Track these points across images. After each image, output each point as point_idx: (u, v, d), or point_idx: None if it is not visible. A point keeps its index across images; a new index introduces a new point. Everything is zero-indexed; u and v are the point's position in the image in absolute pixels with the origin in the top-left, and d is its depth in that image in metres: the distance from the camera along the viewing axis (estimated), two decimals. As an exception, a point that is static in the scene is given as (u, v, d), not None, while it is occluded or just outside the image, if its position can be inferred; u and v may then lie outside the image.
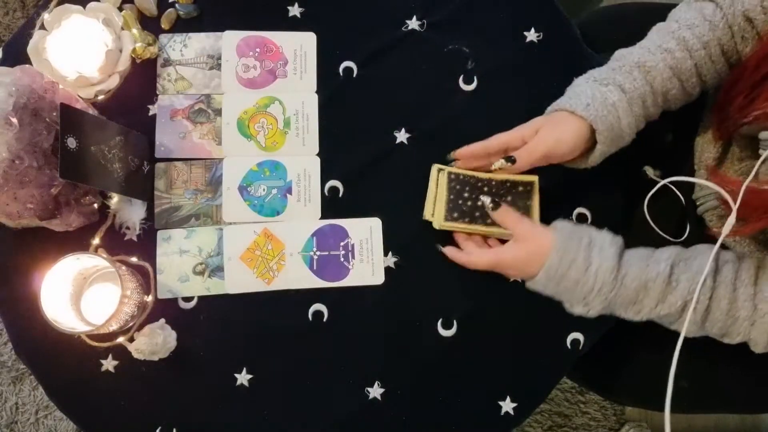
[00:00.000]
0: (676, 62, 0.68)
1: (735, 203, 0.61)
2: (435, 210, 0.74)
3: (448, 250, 0.74)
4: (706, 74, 0.69)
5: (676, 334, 0.64)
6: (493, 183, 0.73)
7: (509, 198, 0.73)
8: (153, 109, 0.77)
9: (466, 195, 0.73)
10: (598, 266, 0.63)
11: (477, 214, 0.73)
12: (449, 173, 0.74)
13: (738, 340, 0.64)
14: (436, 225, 0.74)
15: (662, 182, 0.75)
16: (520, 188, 0.73)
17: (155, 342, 0.68)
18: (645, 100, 0.68)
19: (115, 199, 0.73)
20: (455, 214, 0.73)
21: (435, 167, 0.75)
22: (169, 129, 0.77)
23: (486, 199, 0.70)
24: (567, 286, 0.65)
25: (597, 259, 0.64)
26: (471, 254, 0.72)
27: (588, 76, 0.71)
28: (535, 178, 0.73)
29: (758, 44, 0.65)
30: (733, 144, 0.72)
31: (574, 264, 0.64)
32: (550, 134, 0.68)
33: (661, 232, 0.77)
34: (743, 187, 0.60)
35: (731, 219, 0.62)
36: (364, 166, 0.77)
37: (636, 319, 0.66)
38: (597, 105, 0.66)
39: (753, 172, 0.61)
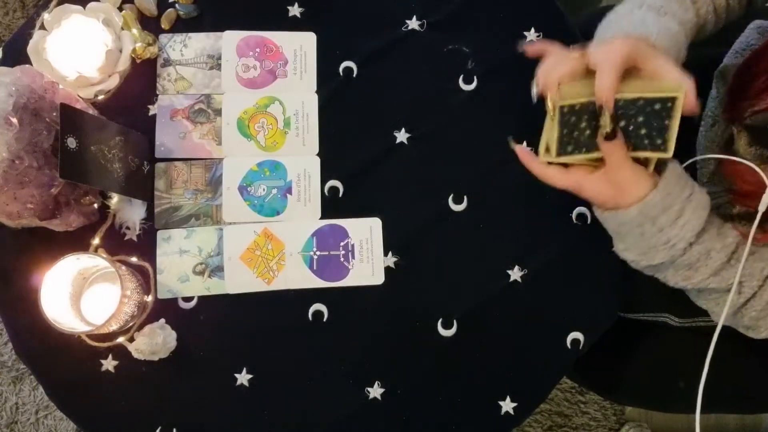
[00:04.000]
0: None
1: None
2: (547, 146, 0.64)
3: (522, 152, 0.65)
4: (727, 14, 0.68)
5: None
6: (621, 103, 0.60)
7: (641, 119, 0.60)
8: (153, 109, 0.77)
9: (583, 125, 0.61)
10: (686, 222, 0.60)
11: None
12: (561, 107, 0.62)
13: (764, 335, 0.63)
14: (547, 160, 0.64)
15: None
16: (657, 106, 0.59)
17: (155, 342, 0.68)
18: (693, 33, 0.65)
19: (115, 199, 0.73)
20: (569, 148, 0.62)
21: (549, 99, 0.63)
22: (169, 129, 0.77)
23: (607, 120, 0.58)
24: (646, 230, 0.61)
25: (688, 215, 0.60)
26: (548, 169, 0.64)
27: (638, 1, 0.65)
28: (679, 93, 0.58)
29: None
30: (736, 141, 0.72)
31: (669, 211, 0.60)
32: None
33: None
34: None
35: (766, 197, 0.60)
36: (364, 166, 0.77)
37: (680, 285, 0.64)
38: (663, 36, 0.61)
39: None
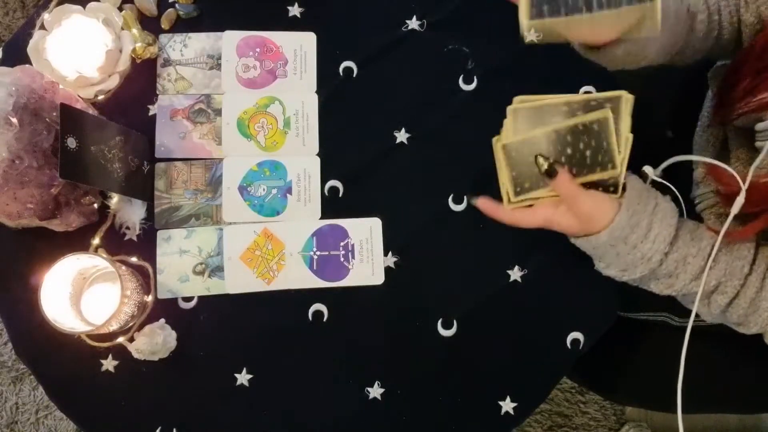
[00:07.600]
0: None
1: (743, 187, 0.60)
2: (504, 191, 0.65)
3: (483, 203, 0.67)
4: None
5: (677, 335, 0.64)
6: (562, 132, 0.62)
7: (581, 145, 0.62)
8: (153, 109, 0.77)
9: (530, 160, 0.63)
10: (656, 234, 0.61)
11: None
12: (503, 145, 0.63)
13: (754, 330, 0.63)
14: (507, 207, 0.66)
15: (660, 170, 0.74)
16: (595, 127, 0.62)
17: (155, 342, 0.68)
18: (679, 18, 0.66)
19: (115, 199, 0.73)
20: (526, 185, 0.64)
21: (495, 141, 0.65)
22: (169, 129, 0.77)
23: (540, 161, 0.61)
24: (620, 250, 0.63)
25: (657, 228, 0.61)
26: (515, 213, 0.66)
27: None
28: (606, 113, 0.61)
29: (765, 29, 0.64)
30: (729, 140, 0.72)
31: (637, 228, 0.61)
32: None
33: None
34: (751, 170, 0.60)
35: (740, 199, 0.61)
36: (364, 166, 0.77)
37: (665, 293, 0.65)
38: None
39: (759, 158, 0.60)
